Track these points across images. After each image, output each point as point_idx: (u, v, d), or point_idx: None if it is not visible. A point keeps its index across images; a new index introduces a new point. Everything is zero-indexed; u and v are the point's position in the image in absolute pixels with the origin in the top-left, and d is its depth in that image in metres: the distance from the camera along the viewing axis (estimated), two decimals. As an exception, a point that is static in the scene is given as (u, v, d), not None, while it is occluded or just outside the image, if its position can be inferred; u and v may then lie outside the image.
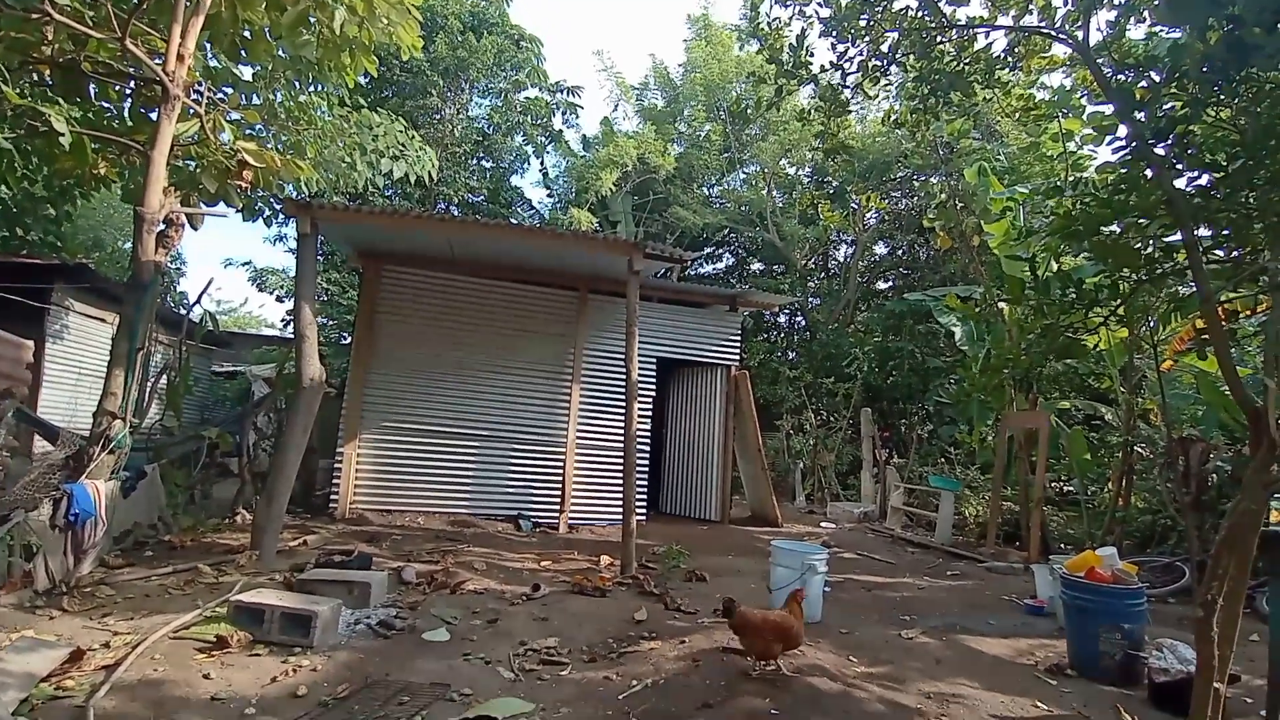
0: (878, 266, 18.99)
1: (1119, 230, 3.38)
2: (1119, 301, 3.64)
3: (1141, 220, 3.38)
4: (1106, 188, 3.12)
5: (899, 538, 9.61)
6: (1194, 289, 3.55)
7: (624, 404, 7.22)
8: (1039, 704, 3.45)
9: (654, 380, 9.17)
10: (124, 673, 3.20)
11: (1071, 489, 9.67)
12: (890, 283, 18.69)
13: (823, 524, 10.50)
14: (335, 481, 7.87)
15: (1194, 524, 7.19)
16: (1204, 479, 7.27)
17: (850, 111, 5.89)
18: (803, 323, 19.02)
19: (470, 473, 8.34)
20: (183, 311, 6.94)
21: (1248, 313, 4.99)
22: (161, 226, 6.12)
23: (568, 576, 5.70)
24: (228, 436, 7.39)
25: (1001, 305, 9.15)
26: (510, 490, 8.45)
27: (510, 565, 6.08)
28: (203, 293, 7.28)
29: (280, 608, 3.82)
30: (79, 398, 8.83)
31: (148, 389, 6.08)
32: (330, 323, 15.68)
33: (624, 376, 6.42)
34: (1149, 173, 3.33)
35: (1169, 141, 3.21)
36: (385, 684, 3.27)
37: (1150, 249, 3.46)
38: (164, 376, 6.26)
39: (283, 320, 17.86)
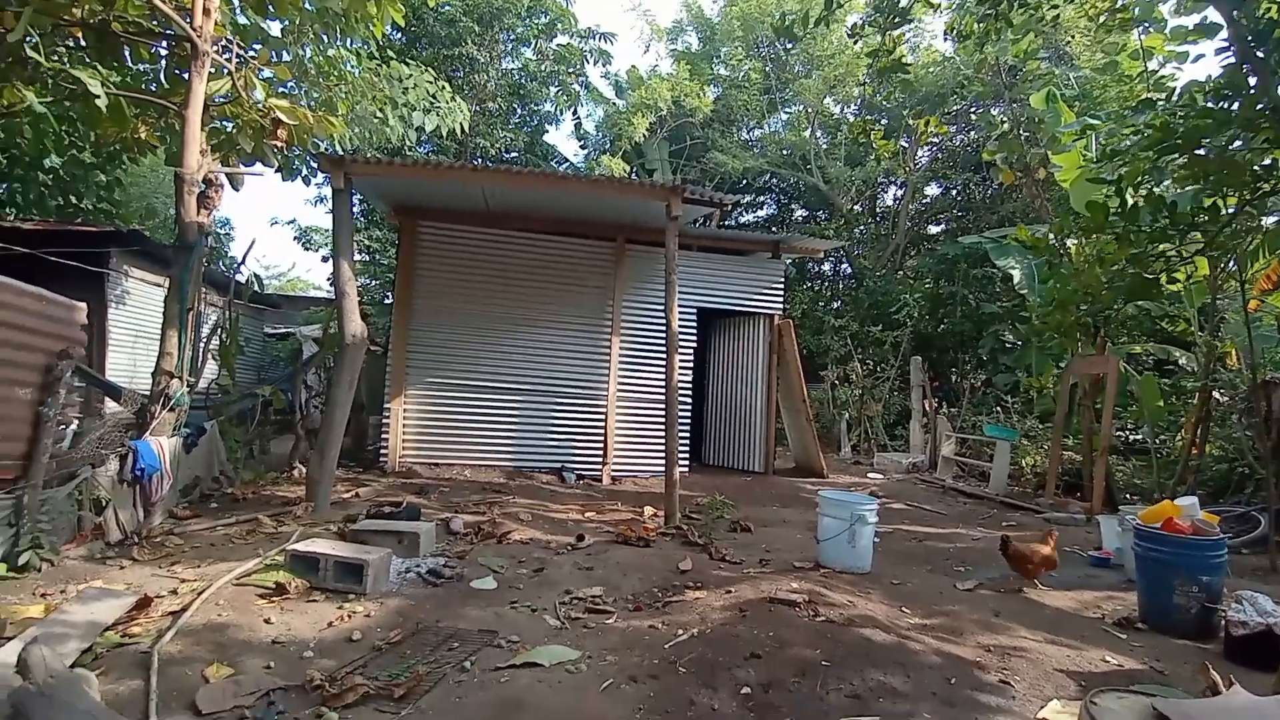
0: (929, 209, 18.04)
1: (1219, 145, 2.99)
2: (1219, 226, 3.24)
3: (1244, 134, 2.98)
4: (1208, 94, 2.74)
5: (950, 488, 9.34)
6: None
7: (664, 355, 7.09)
8: (1108, 657, 3.28)
9: (695, 331, 8.99)
10: (189, 618, 3.34)
11: (1139, 438, 9.16)
12: (942, 226, 17.76)
13: (869, 475, 10.30)
14: (385, 437, 8.07)
15: (1273, 472, 6.71)
16: (1290, 423, 6.73)
17: (910, 21, 5.36)
18: (849, 270, 18.36)
19: (514, 426, 8.42)
20: (230, 274, 7.06)
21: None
22: (201, 187, 6.17)
23: (612, 527, 5.72)
24: (281, 395, 7.61)
25: (1070, 242, 8.53)
26: (553, 443, 8.51)
27: (555, 516, 6.14)
28: (247, 253, 7.36)
29: (334, 556, 3.91)
30: (139, 360, 9.22)
31: (201, 349, 6.23)
32: (374, 282, 15.91)
33: (664, 327, 6.29)
34: (1252, 80, 2.91)
35: (1272, 46, 2.78)
36: (435, 630, 3.33)
37: (1254, 166, 3.06)
38: (215, 337, 6.41)
39: (328, 280, 18.23)
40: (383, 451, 8.07)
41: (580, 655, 2.97)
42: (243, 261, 7.30)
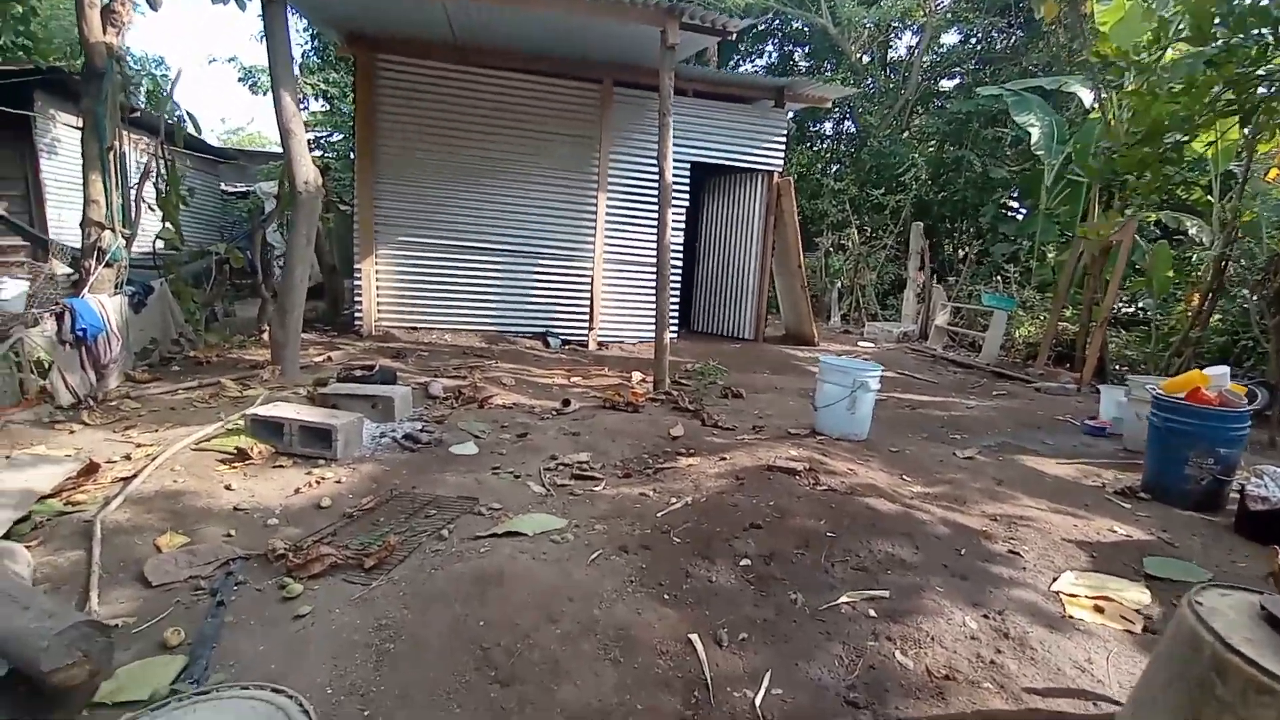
0: (944, 60, 16.44)
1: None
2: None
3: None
4: None
5: (941, 358, 9.23)
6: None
7: (655, 212, 6.50)
8: (1115, 527, 3.17)
9: (688, 187, 8.29)
10: (141, 485, 3.07)
11: (1139, 309, 8.94)
12: (957, 80, 16.29)
13: (860, 343, 10.14)
14: (358, 300, 7.59)
15: (1277, 346, 6.57)
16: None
17: None
18: (852, 129, 17.07)
19: (495, 289, 7.96)
20: (161, 114, 6.14)
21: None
22: (105, 1, 5.17)
23: (599, 392, 5.48)
24: (239, 253, 6.99)
25: (1104, 94, 7.72)
26: (537, 307, 8.11)
27: (539, 381, 5.88)
28: (173, 85, 6.35)
29: (298, 421, 3.61)
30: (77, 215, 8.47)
31: (134, 197, 5.53)
32: (340, 137, 14.56)
33: (655, 182, 5.65)
34: None
35: None
36: (411, 496, 3.11)
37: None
38: (149, 183, 5.67)
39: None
40: (357, 315, 7.64)
41: (567, 524, 2.76)
42: (170, 94, 6.34)
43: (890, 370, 7.94)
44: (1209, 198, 8.03)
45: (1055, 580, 2.58)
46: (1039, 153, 9.75)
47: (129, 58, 11.70)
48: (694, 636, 1.97)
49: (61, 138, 9.68)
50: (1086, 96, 8.69)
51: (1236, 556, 3.00)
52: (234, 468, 3.43)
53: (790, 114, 8.90)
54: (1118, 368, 8.15)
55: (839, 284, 12.60)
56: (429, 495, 3.10)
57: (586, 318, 8.09)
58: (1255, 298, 7.25)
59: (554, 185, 7.89)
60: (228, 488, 3.17)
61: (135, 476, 3.14)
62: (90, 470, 3.17)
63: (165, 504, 2.94)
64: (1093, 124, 8.65)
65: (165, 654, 1.94)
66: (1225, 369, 3.83)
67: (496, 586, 2.20)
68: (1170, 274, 8.19)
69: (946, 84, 16.77)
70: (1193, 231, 9.11)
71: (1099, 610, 2.45)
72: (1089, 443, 5.08)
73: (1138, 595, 2.60)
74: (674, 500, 3.00)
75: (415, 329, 7.73)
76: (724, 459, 3.61)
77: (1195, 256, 8.57)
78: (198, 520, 2.83)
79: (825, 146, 17.94)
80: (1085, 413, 5.99)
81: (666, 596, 2.20)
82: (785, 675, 1.85)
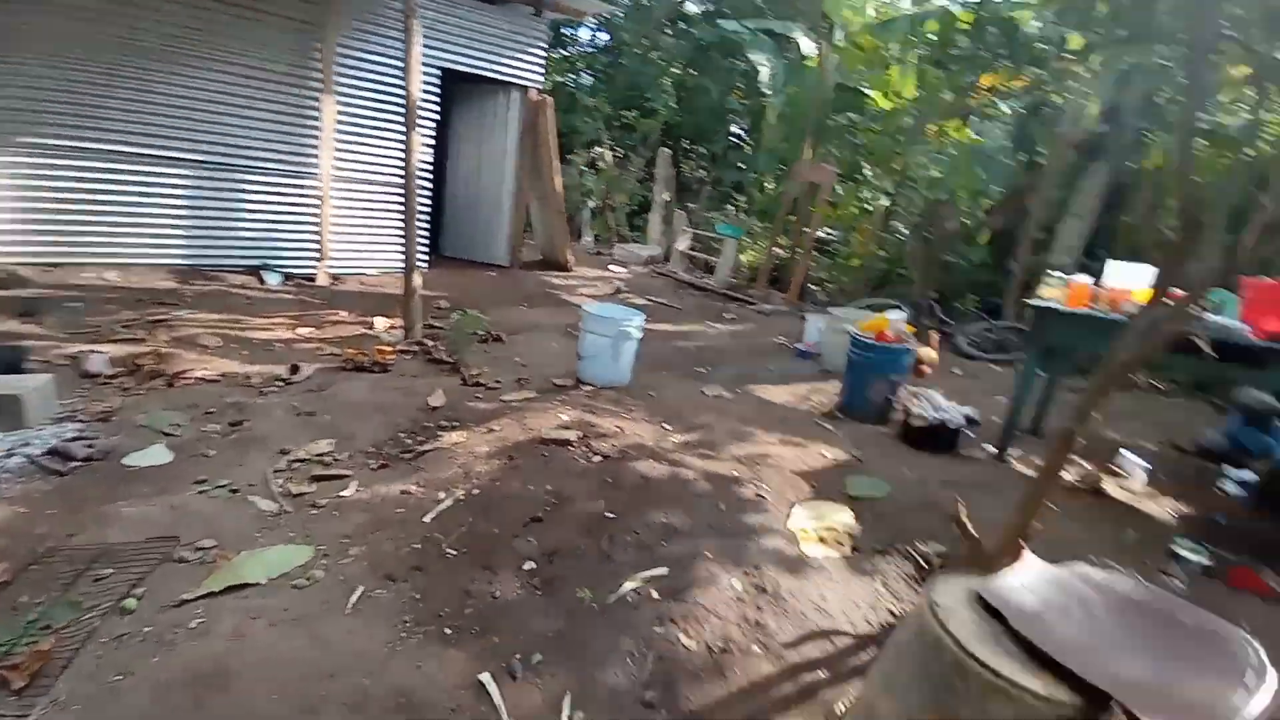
0: (693, -18, 16.67)
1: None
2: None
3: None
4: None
5: (683, 281, 9.98)
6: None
7: (397, 125, 5.55)
8: (824, 452, 3.78)
9: (439, 98, 7.26)
10: None
11: (833, 238, 10.66)
12: (708, 5, 16.69)
13: (611, 267, 10.44)
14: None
15: (920, 274, 8.43)
16: (944, 235, 8.35)
17: None
18: (608, 40, 16.63)
19: (185, 208, 6.19)
20: None
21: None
22: None
23: (336, 348, 4.73)
24: None
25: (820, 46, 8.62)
26: (248, 232, 6.56)
27: (255, 336, 4.83)
28: None
29: None
30: None
31: None
32: None
33: (397, 89, 4.72)
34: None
35: None
36: (69, 553, 2.24)
37: None
38: None
39: None
40: (-61, 246, 5.33)
41: (313, 554, 2.30)
42: None
43: (640, 297, 8.35)
44: (895, 151, 9.72)
45: (789, 518, 2.99)
46: (766, 91, 10.66)
47: None
48: (485, 677, 1.82)
49: None
50: (807, 45, 9.58)
51: (903, 462, 3.81)
52: None
53: (548, 21, 8.23)
54: (814, 288, 9.68)
55: (591, 204, 12.65)
56: (98, 544, 2.27)
57: (315, 246, 6.82)
58: (910, 234, 9.15)
59: (262, 80, 6.23)
60: None
61: None
62: None
63: None
64: (810, 71, 9.65)
65: None
66: (902, 314, 4.76)
67: (221, 692, 1.68)
68: (856, 210, 9.86)
69: (694, 8, 17.11)
70: (871, 176, 11.02)
71: (823, 541, 2.93)
72: (799, 366, 5.98)
73: (846, 518, 3.16)
74: (443, 495, 2.72)
75: (58, 265, 5.70)
76: (493, 431, 3.39)
77: (871, 197, 10.41)
78: None
79: (580, 59, 17.30)
80: (795, 333, 7.04)
81: (449, 631, 1.99)
82: (585, 692, 1.84)
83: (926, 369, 5.70)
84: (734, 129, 13.75)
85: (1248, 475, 4.08)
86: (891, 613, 2.44)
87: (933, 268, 8.41)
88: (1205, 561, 2.92)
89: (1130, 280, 3.68)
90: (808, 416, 4.54)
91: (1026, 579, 1.55)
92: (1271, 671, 1.34)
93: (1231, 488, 4.02)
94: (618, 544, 2.49)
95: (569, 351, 5.04)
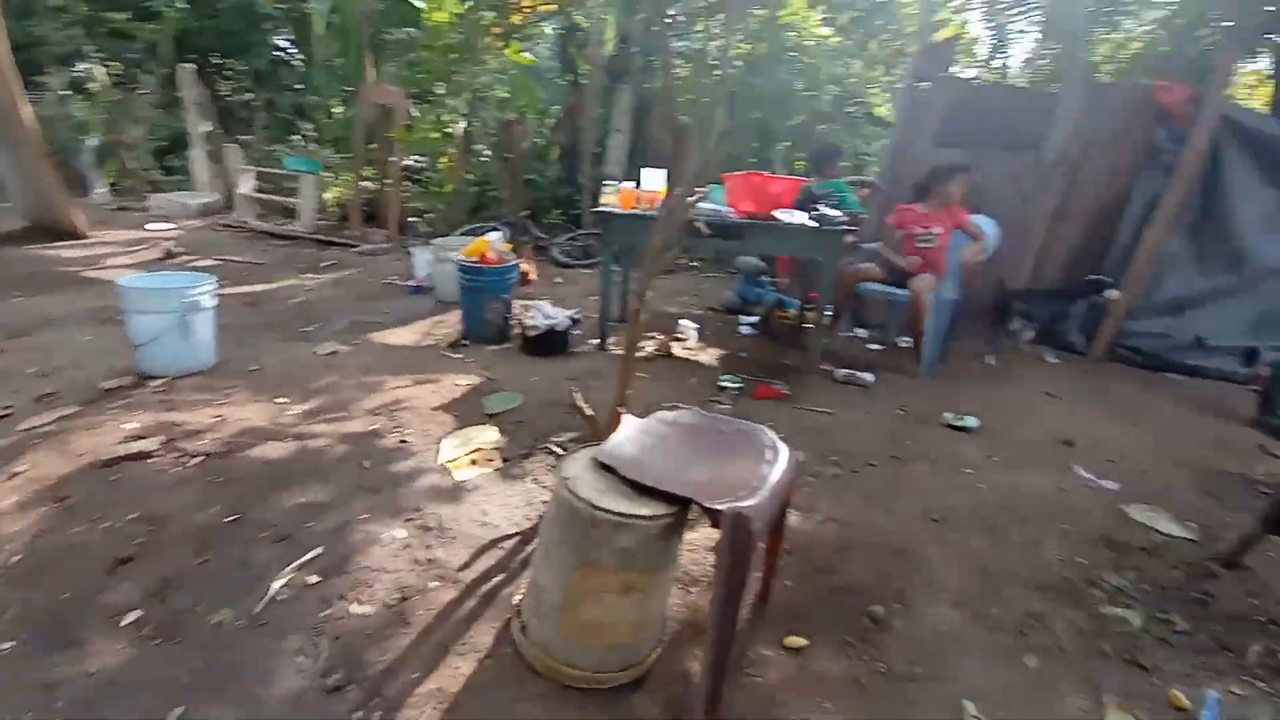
0: None
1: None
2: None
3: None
4: None
5: (260, 231, 8.53)
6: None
7: None
8: (459, 381, 3.91)
9: None
10: None
11: (422, 165, 10.29)
12: None
13: (150, 225, 8.25)
14: None
15: (509, 194, 8.94)
16: (520, 154, 8.90)
17: None
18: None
19: None
20: None
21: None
22: None
23: None
24: None
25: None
26: None
27: None
28: None
29: None
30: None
31: None
32: None
33: None
34: None
35: None
36: None
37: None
38: None
39: None
40: None
41: None
42: None
43: (208, 257, 6.88)
44: (452, 71, 9.56)
45: (439, 453, 3.07)
46: (306, -6, 9.24)
47: None
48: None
49: None
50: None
51: (529, 371, 4.21)
52: None
53: None
54: (415, 220, 9.38)
55: (91, 142, 9.46)
56: None
57: None
58: (493, 155, 9.46)
59: None
60: None
61: None
62: None
63: None
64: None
65: None
66: (499, 233, 5.01)
67: None
68: (436, 135, 9.65)
69: None
70: (452, 103, 10.78)
71: (474, 464, 3.11)
72: (415, 303, 5.86)
73: (491, 435, 3.40)
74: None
75: None
76: (16, 473, 2.49)
77: (449, 120, 10.28)
78: None
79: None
80: (402, 271, 6.82)
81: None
82: (256, 717, 1.65)
83: (531, 281, 6.24)
84: (278, 41, 11.69)
85: (754, 319, 5.75)
86: (544, 503, 2.80)
87: (518, 186, 8.96)
88: (739, 386, 4.10)
89: (658, 183, 4.62)
90: (434, 351, 4.56)
91: (627, 434, 1.96)
92: (783, 448, 1.99)
93: (746, 330, 5.63)
94: (252, 545, 2.20)
95: (114, 346, 3.93)
